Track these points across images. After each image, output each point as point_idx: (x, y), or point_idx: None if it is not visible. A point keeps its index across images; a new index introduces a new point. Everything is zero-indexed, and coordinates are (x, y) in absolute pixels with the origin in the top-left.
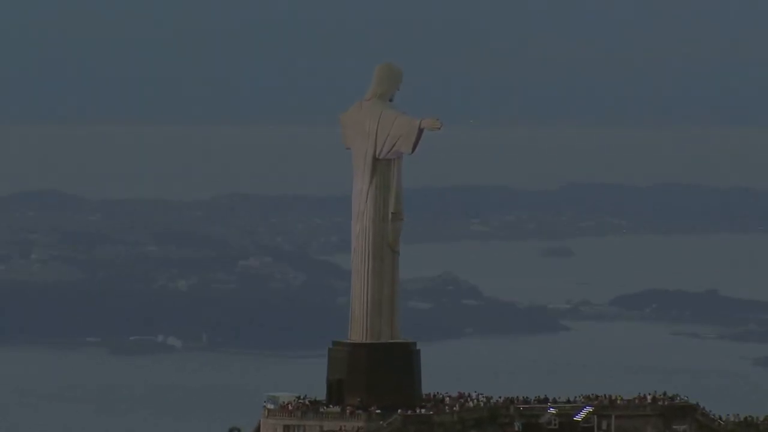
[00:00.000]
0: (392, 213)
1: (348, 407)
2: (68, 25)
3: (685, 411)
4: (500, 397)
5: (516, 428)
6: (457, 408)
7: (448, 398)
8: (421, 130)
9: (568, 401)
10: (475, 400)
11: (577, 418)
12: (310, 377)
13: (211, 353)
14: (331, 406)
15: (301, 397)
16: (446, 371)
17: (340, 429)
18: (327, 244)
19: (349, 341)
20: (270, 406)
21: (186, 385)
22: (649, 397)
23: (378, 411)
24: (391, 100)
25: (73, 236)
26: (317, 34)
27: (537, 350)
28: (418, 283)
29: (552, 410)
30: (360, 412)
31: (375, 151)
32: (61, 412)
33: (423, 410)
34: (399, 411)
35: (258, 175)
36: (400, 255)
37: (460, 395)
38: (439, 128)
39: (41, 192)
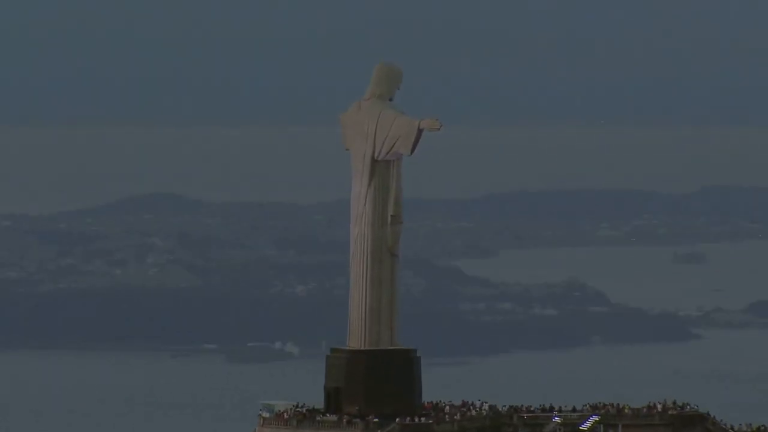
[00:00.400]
0: (391, 216)
1: (345, 416)
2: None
3: (695, 420)
4: (504, 406)
5: None
6: (458, 417)
7: (448, 407)
8: (420, 131)
9: (574, 410)
10: (478, 409)
11: (583, 427)
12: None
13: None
14: (328, 414)
15: (299, 406)
16: (571, 381)
17: None
18: (449, 248)
19: (347, 348)
20: (265, 414)
21: (303, 392)
22: (659, 406)
23: (376, 420)
24: (390, 100)
25: (191, 240)
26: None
27: (667, 359)
28: (543, 289)
29: (557, 419)
30: (357, 420)
31: (374, 152)
32: (177, 421)
33: (422, 419)
34: (397, 420)
35: None
36: (400, 258)
37: (464, 404)
38: (439, 129)
39: (159, 195)
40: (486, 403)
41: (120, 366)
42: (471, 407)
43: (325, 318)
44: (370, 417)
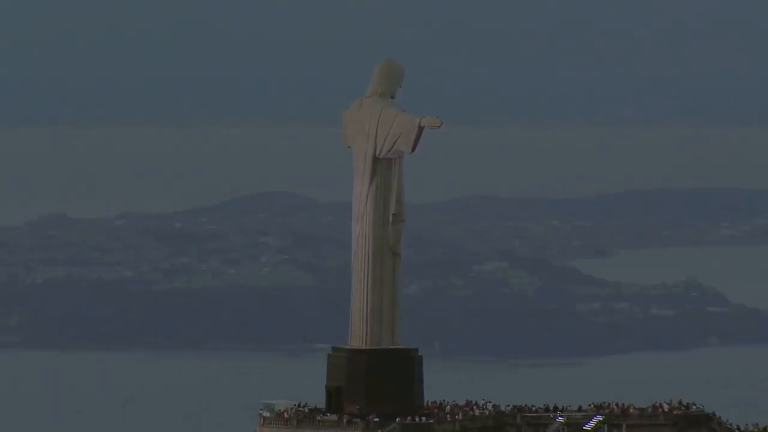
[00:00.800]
0: (393, 214)
1: (345, 415)
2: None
3: (700, 420)
4: (508, 406)
5: None
6: (459, 416)
7: (448, 406)
8: (421, 129)
9: (580, 409)
10: (482, 409)
11: (587, 427)
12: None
13: (444, 361)
14: (328, 414)
15: (301, 405)
16: (689, 382)
17: None
18: (567, 248)
19: (348, 347)
20: (266, 414)
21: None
22: (666, 406)
23: (376, 419)
24: (392, 98)
25: (305, 239)
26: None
27: None
28: (660, 289)
29: (560, 419)
30: (357, 420)
31: (375, 151)
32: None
33: (424, 419)
34: (397, 419)
35: (494, 177)
36: (402, 257)
37: (467, 403)
38: (439, 126)
39: (274, 194)
40: (490, 402)
41: (233, 365)
42: (474, 407)
43: (439, 318)
44: (371, 416)
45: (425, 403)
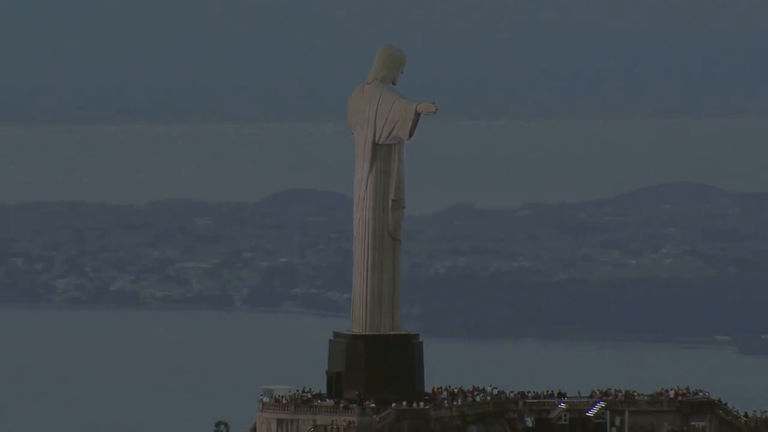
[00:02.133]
0: (393, 200)
1: (342, 401)
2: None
3: (704, 407)
4: (512, 392)
5: (528, 424)
6: (458, 402)
7: (445, 392)
8: (417, 115)
9: (592, 396)
10: (483, 395)
11: (589, 413)
12: None
13: None
14: (327, 399)
15: (305, 390)
16: None
17: (332, 423)
18: None
19: (348, 332)
20: (265, 399)
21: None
22: (671, 392)
23: (373, 405)
24: (394, 83)
25: (710, 231)
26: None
27: None
28: None
29: (562, 405)
30: (354, 405)
31: (374, 136)
32: None
33: (420, 404)
34: (393, 405)
35: None
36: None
37: (474, 389)
38: (434, 112)
39: (681, 184)
40: (496, 388)
41: (623, 355)
42: (476, 393)
43: None
44: (368, 402)
45: (432, 389)
